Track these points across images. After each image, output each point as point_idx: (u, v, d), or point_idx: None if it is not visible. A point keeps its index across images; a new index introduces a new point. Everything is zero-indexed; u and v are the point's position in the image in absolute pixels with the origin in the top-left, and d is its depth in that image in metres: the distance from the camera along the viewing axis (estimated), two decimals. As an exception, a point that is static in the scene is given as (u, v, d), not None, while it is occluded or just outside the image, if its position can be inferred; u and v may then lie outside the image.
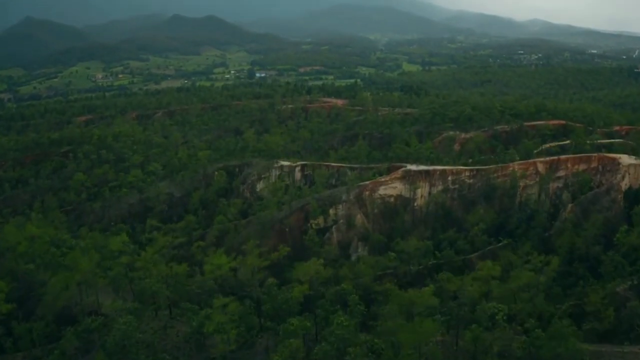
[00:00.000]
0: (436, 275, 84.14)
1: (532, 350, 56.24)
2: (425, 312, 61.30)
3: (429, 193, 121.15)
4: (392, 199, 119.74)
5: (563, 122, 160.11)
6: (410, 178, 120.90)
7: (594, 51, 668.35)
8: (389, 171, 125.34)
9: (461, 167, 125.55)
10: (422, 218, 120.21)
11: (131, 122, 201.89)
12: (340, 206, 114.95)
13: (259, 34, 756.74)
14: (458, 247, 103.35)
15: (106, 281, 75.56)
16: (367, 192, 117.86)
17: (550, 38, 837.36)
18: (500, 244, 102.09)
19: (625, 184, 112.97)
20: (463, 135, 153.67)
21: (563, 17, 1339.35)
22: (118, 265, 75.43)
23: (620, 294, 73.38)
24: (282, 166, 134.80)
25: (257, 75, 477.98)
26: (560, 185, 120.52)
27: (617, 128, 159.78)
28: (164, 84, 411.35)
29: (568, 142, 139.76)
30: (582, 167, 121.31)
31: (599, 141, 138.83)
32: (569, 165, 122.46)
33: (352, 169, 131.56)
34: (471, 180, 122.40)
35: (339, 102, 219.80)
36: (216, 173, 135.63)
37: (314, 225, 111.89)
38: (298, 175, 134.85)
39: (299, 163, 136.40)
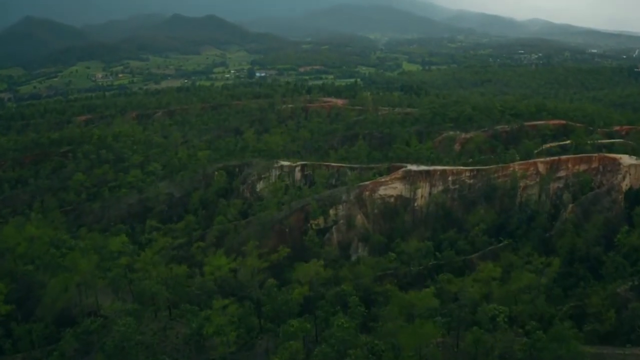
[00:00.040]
0: (437, 276, 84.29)
1: (533, 353, 56.18)
2: (426, 313, 61.40)
3: (429, 193, 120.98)
4: (392, 199, 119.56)
5: (563, 122, 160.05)
6: (410, 178, 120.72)
7: (594, 51, 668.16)
8: (389, 171, 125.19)
9: (461, 167, 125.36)
10: (422, 218, 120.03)
11: (131, 121, 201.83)
12: (341, 206, 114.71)
13: (259, 34, 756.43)
14: (458, 247, 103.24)
15: (105, 282, 75.55)
16: (367, 193, 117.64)
17: (551, 38, 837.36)
18: (500, 245, 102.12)
19: (626, 185, 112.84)
20: (463, 135, 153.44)
21: (563, 16, 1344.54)
22: (117, 266, 75.57)
23: (622, 295, 73.22)
24: (282, 166, 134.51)
25: (257, 74, 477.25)
26: (561, 185, 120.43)
27: (617, 128, 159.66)
28: (163, 84, 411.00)
29: (568, 142, 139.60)
30: (582, 167, 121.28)
31: (599, 141, 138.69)
32: (570, 165, 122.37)
33: (352, 169, 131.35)
34: (471, 181, 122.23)
35: (339, 101, 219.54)
36: (216, 173, 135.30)
37: (314, 226, 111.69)
38: (298, 175, 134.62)
39: (299, 163, 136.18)
